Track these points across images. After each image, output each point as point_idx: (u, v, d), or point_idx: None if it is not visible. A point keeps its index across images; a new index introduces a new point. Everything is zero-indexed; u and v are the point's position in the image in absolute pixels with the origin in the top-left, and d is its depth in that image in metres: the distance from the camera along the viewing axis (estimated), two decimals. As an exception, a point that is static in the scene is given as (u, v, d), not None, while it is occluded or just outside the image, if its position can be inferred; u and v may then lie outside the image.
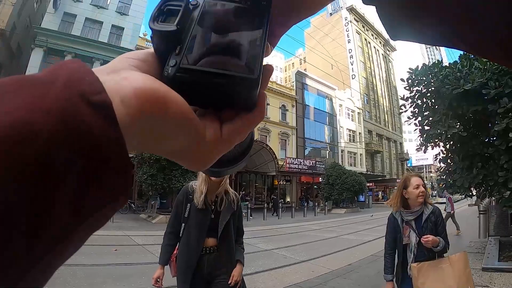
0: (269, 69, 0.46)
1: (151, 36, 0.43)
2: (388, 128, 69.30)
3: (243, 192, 37.78)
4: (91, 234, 0.30)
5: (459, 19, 0.41)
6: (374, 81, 70.76)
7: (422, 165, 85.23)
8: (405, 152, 75.98)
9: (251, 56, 0.42)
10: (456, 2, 0.40)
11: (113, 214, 0.31)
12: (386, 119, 70.75)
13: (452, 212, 17.93)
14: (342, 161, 52.84)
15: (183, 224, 3.57)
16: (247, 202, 28.74)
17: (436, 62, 8.43)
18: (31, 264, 0.24)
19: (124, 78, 0.34)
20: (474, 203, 17.71)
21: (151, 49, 0.43)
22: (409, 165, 75.38)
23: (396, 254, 4.05)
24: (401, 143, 75.72)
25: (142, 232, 15.82)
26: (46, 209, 0.24)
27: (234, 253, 3.65)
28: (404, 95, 9.14)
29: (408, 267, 3.83)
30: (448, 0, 0.40)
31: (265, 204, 30.42)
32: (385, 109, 72.26)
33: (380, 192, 60.71)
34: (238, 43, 0.44)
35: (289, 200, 41.57)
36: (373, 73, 71.46)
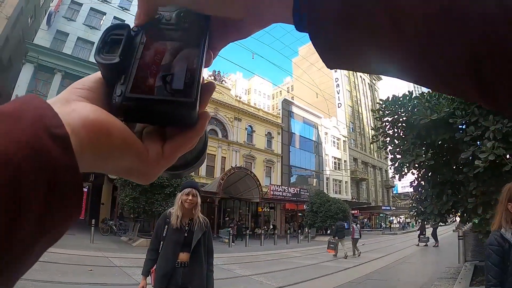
0: (210, 87, 0.51)
1: (98, 66, 0.46)
2: (374, 155, 69.79)
3: (227, 219, 37.66)
4: (48, 248, 0.35)
5: (404, 54, 0.41)
6: (360, 110, 71.45)
7: (408, 192, 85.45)
8: (391, 179, 76.37)
9: (189, 79, 0.45)
10: (397, 36, 0.40)
11: (67, 230, 0.36)
12: (372, 147, 71.31)
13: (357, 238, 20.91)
14: (327, 188, 52.95)
15: (161, 242, 4.21)
16: (230, 229, 28.61)
17: (407, 93, 8.68)
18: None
19: (73, 110, 0.38)
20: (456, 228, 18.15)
21: (99, 74, 0.47)
22: (395, 192, 75.68)
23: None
24: (386, 171, 76.02)
25: (122, 254, 15.69)
26: (15, 224, 0.28)
27: (205, 269, 4.27)
28: (375, 125, 9.40)
29: None
30: (389, 32, 0.40)
31: (247, 231, 30.21)
32: (370, 137, 72.71)
33: (365, 220, 60.70)
34: (177, 67, 0.46)
35: (272, 227, 41.42)
36: (359, 101, 72.25)
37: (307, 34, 0.48)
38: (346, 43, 0.45)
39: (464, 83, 0.39)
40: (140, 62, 0.47)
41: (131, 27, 0.50)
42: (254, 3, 0.49)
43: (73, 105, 0.40)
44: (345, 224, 24.04)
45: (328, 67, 0.52)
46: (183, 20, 0.51)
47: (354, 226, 21.87)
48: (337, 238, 20.72)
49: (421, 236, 27.23)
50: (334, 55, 0.48)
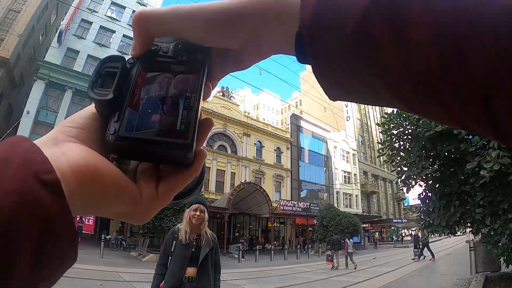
0: (208, 123, 0.49)
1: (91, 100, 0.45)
2: (384, 168, 69.37)
3: (237, 234, 37.54)
4: None
5: (412, 88, 0.40)
6: (369, 122, 71.18)
7: (419, 204, 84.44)
8: (402, 191, 75.74)
9: (186, 119, 0.44)
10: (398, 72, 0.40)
11: (63, 274, 0.35)
12: (381, 160, 70.98)
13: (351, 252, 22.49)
14: (337, 202, 52.60)
15: (170, 257, 4.24)
16: (240, 244, 28.51)
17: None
18: None
19: (62, 153, 0.36)
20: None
21: (93, 108, 0.46)
22: (406, 204, 74.85)
23: None
24: (397, 183, 75.43)
25: (131, 269, 15.71)
26: (7, 275, 0.27)
27: (212, 284, 4.27)
28: (381, 139, 9.42)
29: None
30: (389, 69, 0.40)
31: (257, 246, 30.07)
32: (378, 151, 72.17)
33: (376, 233, 60.13)
34: (173, 105, 0.45)
35: (281, 240, 41.16)
36: (367, 114, 72.03)
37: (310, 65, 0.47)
38: (351, 77, 0.44)
39: (474, 118, 0.38)
40: (135, 98, 0.45)
41: (127, 58, 0.48)
42: (254, 35, 0.48)
43: (63, 147, 0.38)
44: (340, 237, 25.23)
45: (330, 99, 0.52)
46: (181, 53, 0.49)
47: (348, 241, 23.69)
48: (333, 250, 23.06)
49: (414, 250, 26.99)
50: (337, 88, 0.48)
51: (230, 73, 0.57)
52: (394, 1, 0.39)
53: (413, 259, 26.05)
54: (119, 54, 0.44)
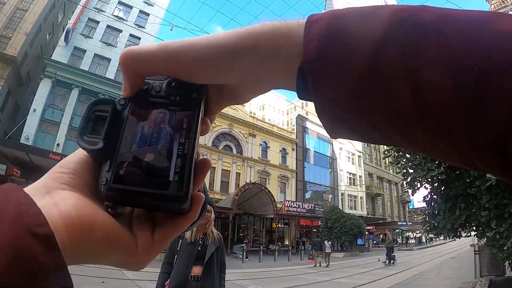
0: (205, 165, 0.47)
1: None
2: (389, 170, 69.14)
3: (241, 234, 37.53)
4: None
5: (425, 129, 0.38)
6: (374, 125, 71.02)
7: (425, 207, 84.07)
8: (407, 194, 75.42)
9: (179, 168, 0.42)
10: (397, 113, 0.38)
11: None
12: (387, 162, 70.64)
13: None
14: (342, 204, 52.49)
15: (176, 256, 4.26)
16: (243, 245, 28.50)
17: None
18: None
19: (55, 203, 0.35)
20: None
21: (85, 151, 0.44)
22: (411, 207, 74.55)
23: None
24: (402, 185, 75.11)
25: (136, 267, 15.75)
26: None
27: (217, 283, 4.29)
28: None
29: None
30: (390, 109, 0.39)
31: (261, 247, 30.07)
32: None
33: (381, 235, 59.94)
34: (166, 153, 0.43)
35: (287, 243, 41.13)
36: (373, 116, 71.88)
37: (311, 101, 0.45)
38: (356, 117, 0.43)
39: (487, 161, 0.37)
40: (126, 144, 0.44)
41: (118, 99, 0.46)
42: (251, 71, 0.46)
43: (55, 195, 0.37)
44: (322, 240, 28.61)
45: (332, 137, 0.50)
46: (174, 92, 0.47)
47: (326, 242, 27.26)
48: (314, 251, 27.11)
49: (388, 254, 27.00)
50: (340, 127, 0.47)
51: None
52: (408, 37, 0.37)
53: (383, 262, 26.29)
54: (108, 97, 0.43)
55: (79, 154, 0.45)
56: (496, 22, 0.35)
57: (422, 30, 0.37)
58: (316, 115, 0.46)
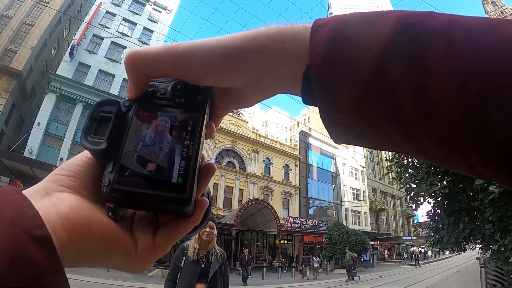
0: (209, 170, 0.46)
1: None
2: (393, 185, 68.86)
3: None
4: None
5: (430, 136, 0.38)
6: (377, 139, 70.91)
7: (429, 221, 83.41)
8: (411, 208, 74.77)
9: (183, 170, 0.42)
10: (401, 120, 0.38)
11: None
12: (390, 177, 70.43)
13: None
14: (346, 220, 52.14)
15: (179, 273, 4.22)
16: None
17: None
18: None
19: (53, 205, 0.35)
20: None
21: (87, 153, 0.44)
22: (415, 221, 74.09)
23: None
24: (406, 200, 74.72)
25: (136, 283, 15.73)
26: None
27: None
28: (389, 156, 9.41)
29: None
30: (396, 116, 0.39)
31: (264, 263, 29.82)
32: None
33: (386, 251, 59.47)
34: (170, 155, 0.43)
35: (290, 257, 40.87)
36: (376, 132, 71.78)
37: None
38: (362, 122, 0.42)
39: (494, 171, 0.37)
40: (130, 145, 0.43)
41: (123, 101, 0.46)
42: (257, 74, 0.46)
43: (54, 198, 0.37)
44: (310, 256, 32.51)
45: (336, 143, 0.50)
46: (179, 94, 0.47)
47: (314, 258, 31.69)
48: (303, 266, 30.57)
49: (349, 271, 27.09)
50: (345, 133, 0.46)
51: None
52: (413, 44, 0.37)
53: (346, 279, 26.43)
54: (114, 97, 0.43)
55: (82, 157, 0.44)
56: (504, 28, 0.34)
57: (428, 36, 0.37)
58: (320, 119, 0.46)
